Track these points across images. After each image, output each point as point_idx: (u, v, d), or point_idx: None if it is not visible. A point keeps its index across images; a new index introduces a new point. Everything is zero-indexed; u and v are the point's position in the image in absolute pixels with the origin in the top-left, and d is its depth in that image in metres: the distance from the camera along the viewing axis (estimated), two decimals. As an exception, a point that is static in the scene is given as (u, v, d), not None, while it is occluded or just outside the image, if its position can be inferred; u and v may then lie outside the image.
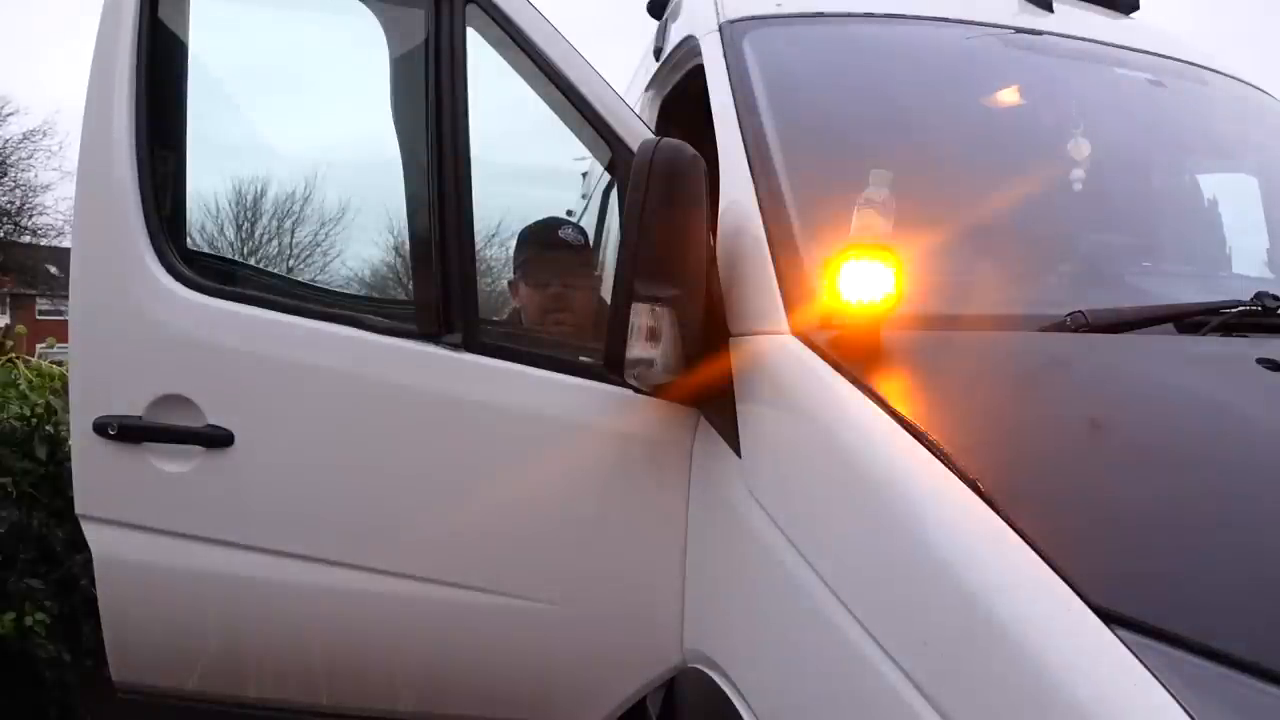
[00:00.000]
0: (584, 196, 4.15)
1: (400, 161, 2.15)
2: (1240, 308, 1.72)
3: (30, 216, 26.80)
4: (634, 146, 1.80)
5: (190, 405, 1.94)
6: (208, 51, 2.27)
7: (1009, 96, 2.38)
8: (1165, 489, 1.24)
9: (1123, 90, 2.51)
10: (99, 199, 2.00)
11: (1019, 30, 2.45)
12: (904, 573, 1.20)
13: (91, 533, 2.02)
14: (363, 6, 2.17)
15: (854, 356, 1.49)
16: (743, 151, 1.91)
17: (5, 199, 26.64)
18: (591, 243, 2.96)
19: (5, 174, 26.51)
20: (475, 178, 1.94)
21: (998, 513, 1.11)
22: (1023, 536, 1.07)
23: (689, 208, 1.65)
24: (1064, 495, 1.22)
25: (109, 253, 1.98)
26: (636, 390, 1.78)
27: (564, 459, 1.89)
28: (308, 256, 15.53)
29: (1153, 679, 0.90)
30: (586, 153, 2.16)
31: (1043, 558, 1.04)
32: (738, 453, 1.66)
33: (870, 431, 1.33)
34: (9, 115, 26.26)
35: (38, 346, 7.61)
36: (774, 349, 1.63)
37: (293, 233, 16.31)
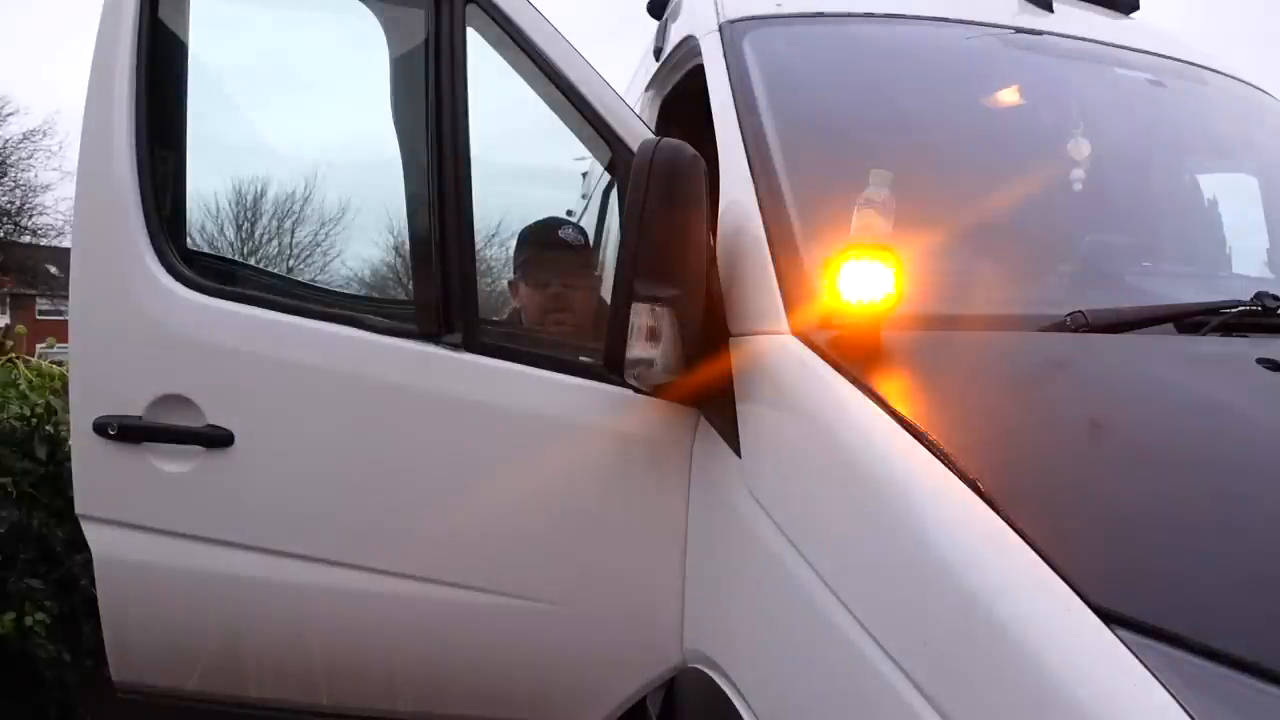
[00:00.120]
0: (584, 196, 4.15)
1: (400, 161, 2.15)
2: (1240, 308, 1.72)
3: (30, 216, 26.86)
4: (634, 146, 1.80)
5: (190, 405, 1.94)
6: (208, 51, 2.27)
7: (1009, 96, 2.38)
8: (1165, 489, 1.24)
9: (1123, 90, 2.51)
10: (99, 199, 2.00)
11: (1019, 30, 2.45)
12: (904, 573, 1.20)
13: (91, 533, 2.02)
14: (363, 6, 2.17)
15: (854, 356, 1.49)
16: (743, 151, 1.91)
17: (5, 199, 26.66)
18: (591, 243, 2.95)
19: (5, 174, 26.54)
20: (475, 178, 1.94)
21: (997, 513, 1.11)
22: (1022, 536, 1.07)
23: (689, 208, 1.65)
24: (1064, 495, 1.22)
25: (109, 253, 1.98)
26: (636, 390, 1.78)
27: (564, 459, 1.89)
28: (308, 256, 15.59)
29: (1153, 679, 0.90)
30: (586, 153, 2.16)
31: (1042, 558, 1.04)
32: (738, 453, 1.66)
33: (870, 431, 1.33)
34: (9, 115, 26.31)
35: (38, 346, 7.61)
36: (774, 349, 1.63)
37: (293, 233, 16.37)
